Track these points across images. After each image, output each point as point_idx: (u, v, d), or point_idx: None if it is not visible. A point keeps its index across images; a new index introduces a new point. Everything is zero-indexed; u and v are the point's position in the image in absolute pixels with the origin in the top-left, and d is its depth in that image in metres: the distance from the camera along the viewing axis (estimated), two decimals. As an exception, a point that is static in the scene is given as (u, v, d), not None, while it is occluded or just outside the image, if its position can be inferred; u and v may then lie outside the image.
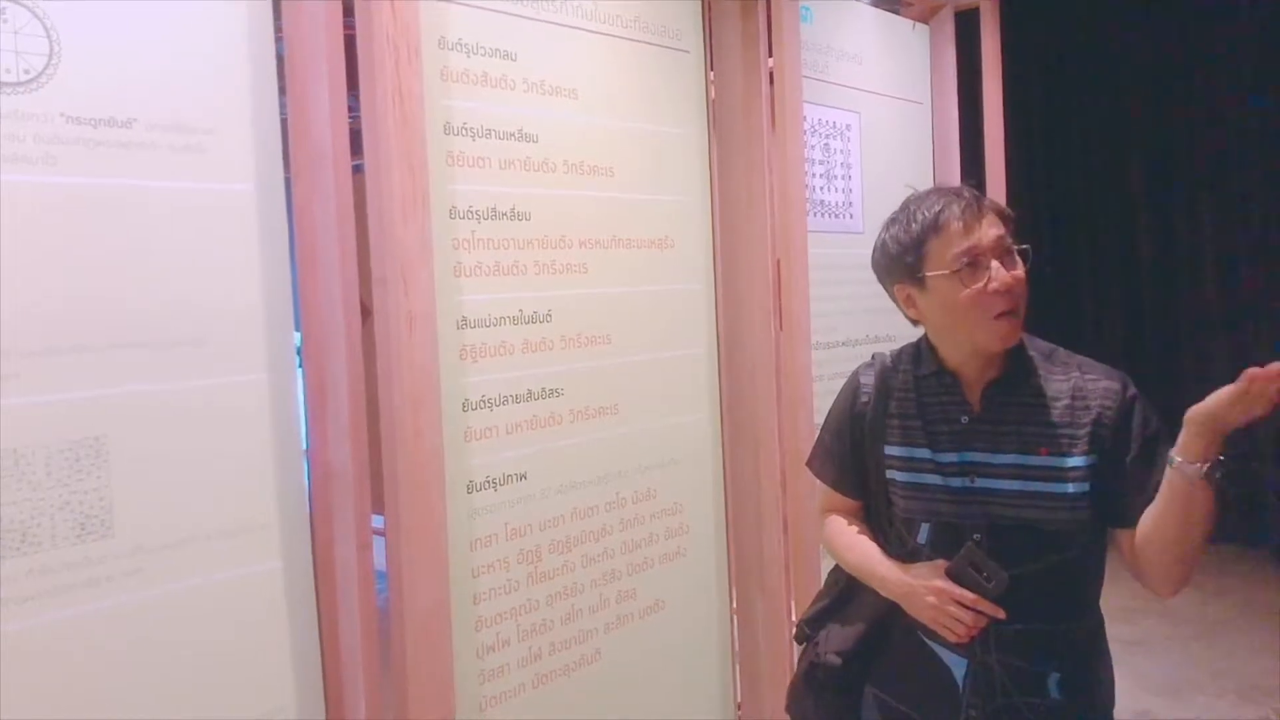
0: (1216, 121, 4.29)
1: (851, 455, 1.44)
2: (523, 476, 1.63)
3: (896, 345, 2.51)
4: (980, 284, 1.23)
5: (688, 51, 1.97)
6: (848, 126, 2.33)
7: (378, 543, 1.38)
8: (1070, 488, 1.25)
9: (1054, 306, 4.60)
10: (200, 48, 1.25)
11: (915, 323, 1.39)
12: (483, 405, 1.57)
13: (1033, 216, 4.56)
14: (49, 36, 1.12)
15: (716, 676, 2.03)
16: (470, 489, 1.55)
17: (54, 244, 1.12)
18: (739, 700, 2.09)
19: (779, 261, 2.04)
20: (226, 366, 1.27)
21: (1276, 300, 4.13)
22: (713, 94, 2.05)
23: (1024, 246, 1.28)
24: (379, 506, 1.39)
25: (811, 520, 2.09)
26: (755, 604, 2.07)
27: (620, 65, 1.83)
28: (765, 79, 2.03)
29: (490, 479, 1.58)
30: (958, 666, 1.31)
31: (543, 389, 1.67)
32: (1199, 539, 1.17)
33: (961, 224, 1.25)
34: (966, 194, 1.29)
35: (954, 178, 2.60)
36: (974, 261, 1.24)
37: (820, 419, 2.13)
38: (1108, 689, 1.33)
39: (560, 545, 1.70)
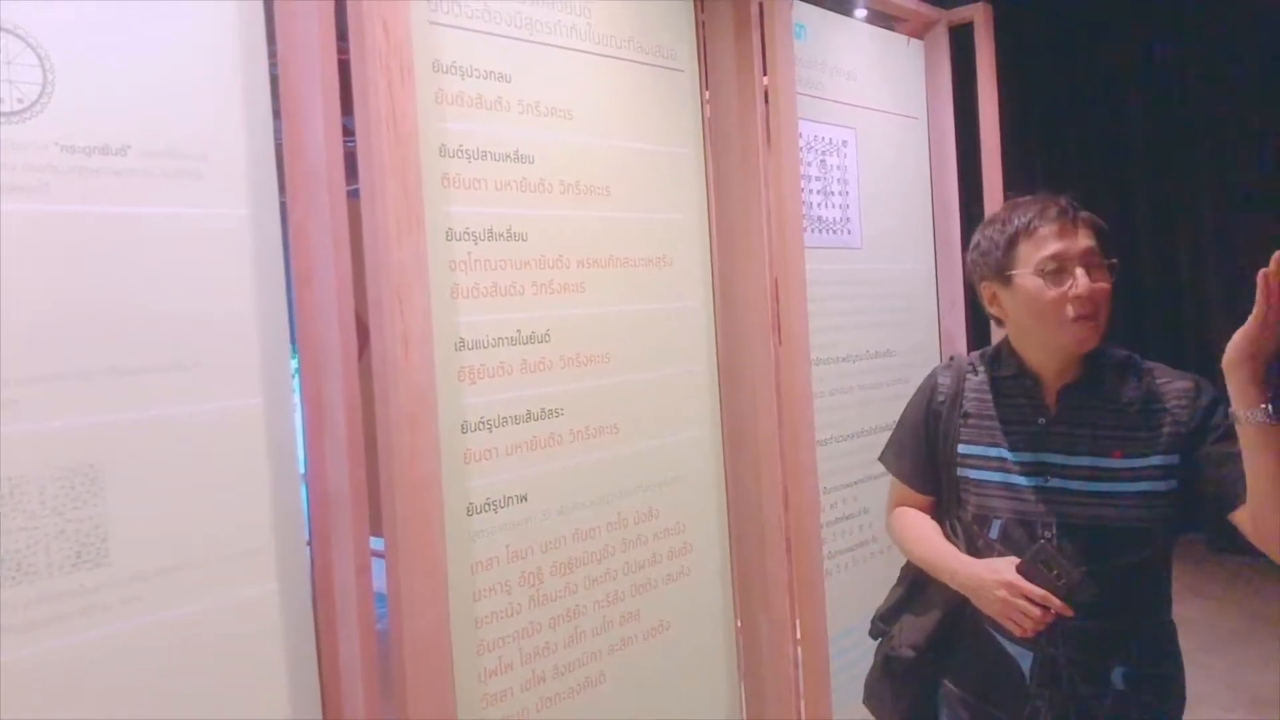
0: (1214, 131, 4.30)
1: (926, 452, 1.49)
2: (523, 498, 1.62)
3: (897, 360, 2.51)
4: (1064, 288, 1.28)
5: (682, 70, 1.98)
6: (844, 142, 2.33)
7: (377, 565, 1.37)
8: (1143, 485, 1.29)
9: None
10: (193, 74, 1.26)
11: (999, 323, 1.43)
12: (482, 426, 1.56)
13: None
14: (42, 66, 1.12)
15: (722, 698, 2.01)
16: (470, 511, 1.54)
17: (49, 272, 1.12)
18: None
19: (777, 278, 2.04)
20: (222, 391, 1.27)
21: None
22: (708, 112, 2.05)
23: (1113, 260, 1.32)
24: (378, 529, 1.38)
25: (813, 537, 2.08)
26: (759, 624, 2.05)
27: (615, 85, 1.83)
28: (760, 96, 2.03)
29: (490, 501, 1.57)
30: (1024, 659, 1.35)
31: (542, 409, 1.66)
32: None
33: (1054, 229, 1.31)
34: (1063, 203, 1.34)
35: (951, 193, 2.60)
36: (1061, 267, 1.29)
37: (820, 435, 2.14)
38: (1178, 688, 1.36)
39: (562, 567, 1.68)
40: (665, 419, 1.91)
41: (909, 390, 2.45)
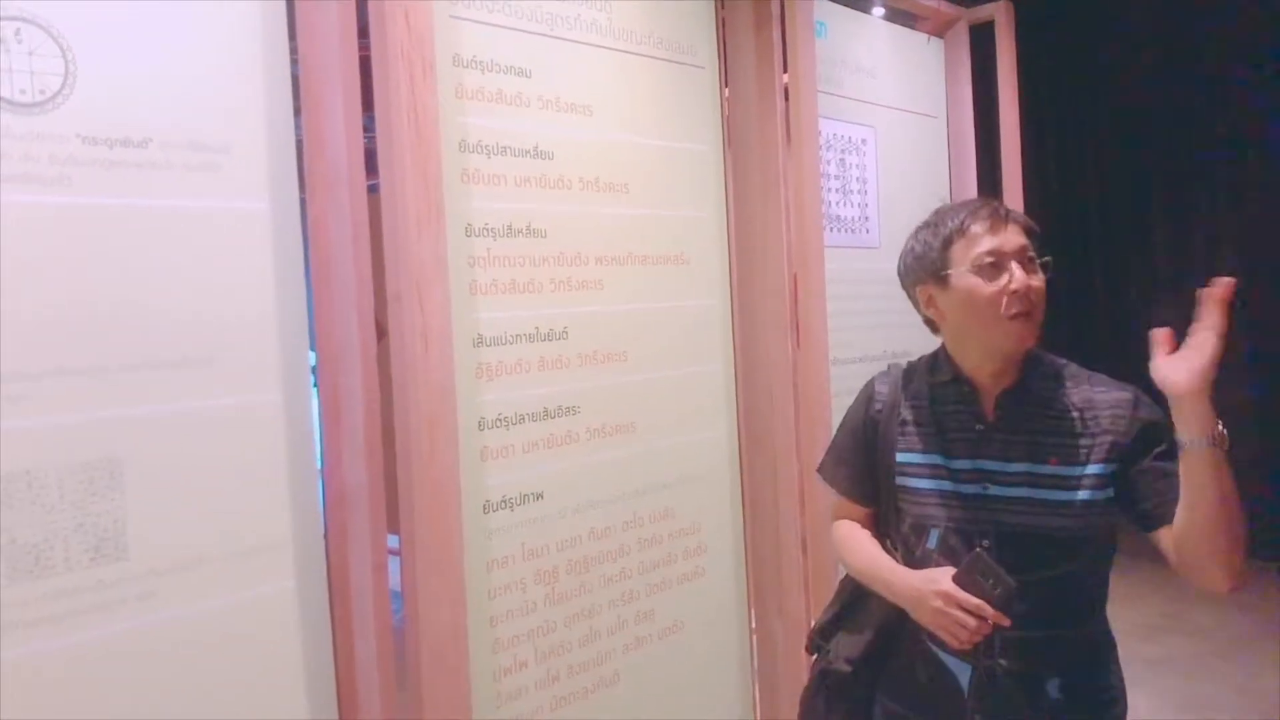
0: (1235, 131, 4.26)
1: (864, 462, 1.47)
2: (539, 496, 1.61)
3: (914, 358, 2.49)
4: (1000, 283, 1.28)
5: (702, 67, 1.97)
6: (863, 141, 2.31)
7: (393, 563, 1.37)
8: (1080, 494, 1.27)
9: (1071, 316, 4.57)
10: (215, 67, 1.25)
11: (934, 326, 1.42)
12: (499, 424, 1.55)
13: (1050, 228, 4.54)
14: (64, 57, 1.12)
15: (736, 699, 2.00)
16: (486, 508, 1.53)
17: (69, 264, 1.11)
18: (759, 722, 2.06)
19: (795, 276, 2.02)
20: (241, 386, 1.26)
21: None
22: (727, 109, 2.04)
23: (1046, 259, 1.32)
24: (394, 526, 1.37)
25: (829, 539, 2.07)
26: (774, 625, 2.04)
27: (635, 81, 1.82)
28: (780, 94, 2.02)
29: (507, 498, 1.56)
30: (962, 672, 1.33)
31: (559, 407, 1.65)
32: (1235, 516, 1.15)
33: (986, 227, 1.31)
34: (993, 204, 1.35)
35: (970, 191, 2.58)
36: (996, 262, 1.29)
37: (839, 435, 2.12)
38: (1117, 701, 1.33)
39: (578, 565, 1.68)
40: (682, 417, 1.89)
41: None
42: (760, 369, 2.03)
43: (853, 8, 2.34)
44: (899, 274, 1.45)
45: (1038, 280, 1.30)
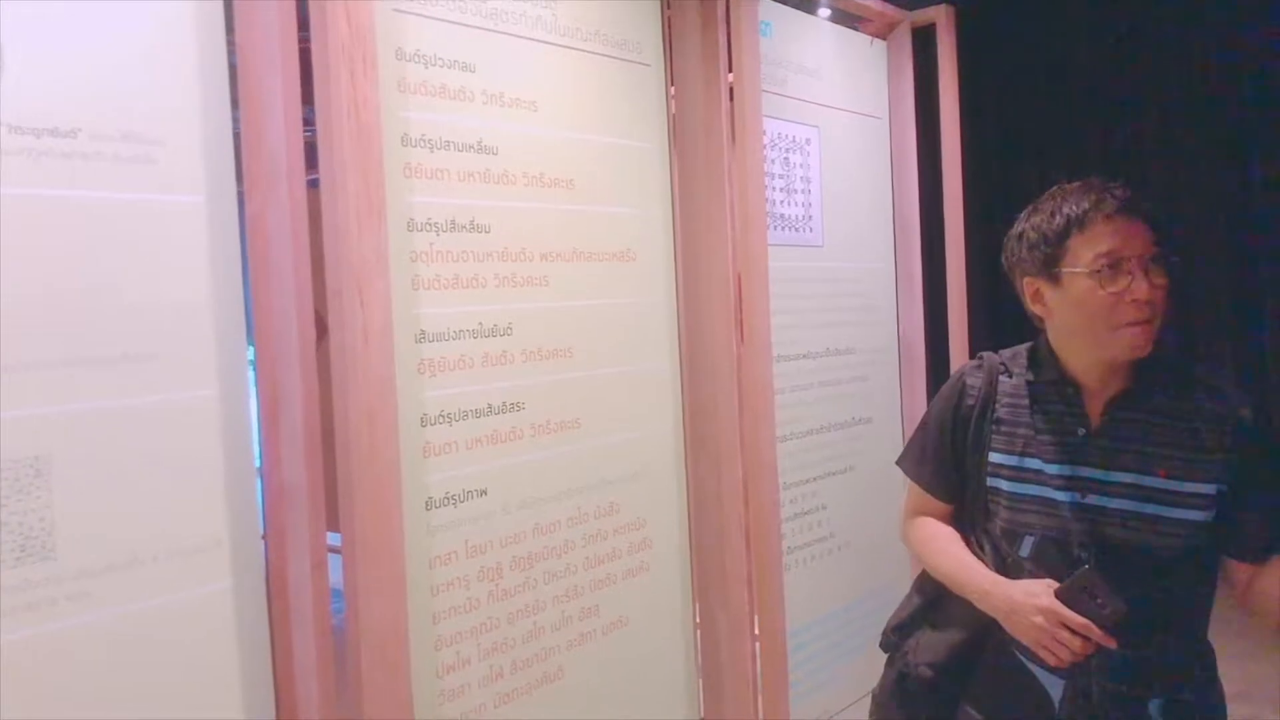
0: (1171, 138, 4.38)
1: (951, 458, 1.38)
2: (483, 492, 1.61)
3: (857, 358, 2.51)
4: (1119, 288, 1.17)
5: (648, 65, 1.98)
6: (807, 141, 2.34)
7: (334, 560, 1.35)
8: (1190, 514, 1.19)
9: (1015, 319, 4.66)
10: (148, 57, 1.22)
11: (1040, 322, 1.32)
12: (442, 420, 1.54)
13: (989, 232, 4.62)
14: (-10, 44, 1.09)
15: (681, 692, 2.02)
16: (429, 505, 1.53)
17: (-6, 257, 1.08)
18: (703, 716, 2.08)
19: (740, 275, 2.04)
20: (176, 381, 1.24)
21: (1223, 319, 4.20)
22: (673, 108, 2.05)
23: (1174, 258, 1.20)
24: (335, 524, 1.36)
25: (772, 533, 2.09)
26: (718, 619, 2.06)
27: (580, 78, 1.82)
28: (725, 93, 2.03)
29: (450, 495, 1.56)
30: (1054, 687, 1.26)
31: (503, 403, 1.65)
32: None
33: (1110, 223, 1.18)
34: (1120, 191, 1.22)
35: (911, 192, 2.63)
36: (1116, 265, 1.17)
37: (780, 431, 2.15)
38: (1218, 715, 1.29)
39: (522, 562, 1.67)
40: (627, 414, 1.90)
41: (870, 388, 2.50)
42: (705, 366, 2.04)
43: (797, 8, 2.36)
44: (1003, 258, 1.32)
45: (1160, 283, 1.18)
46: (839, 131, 2.45)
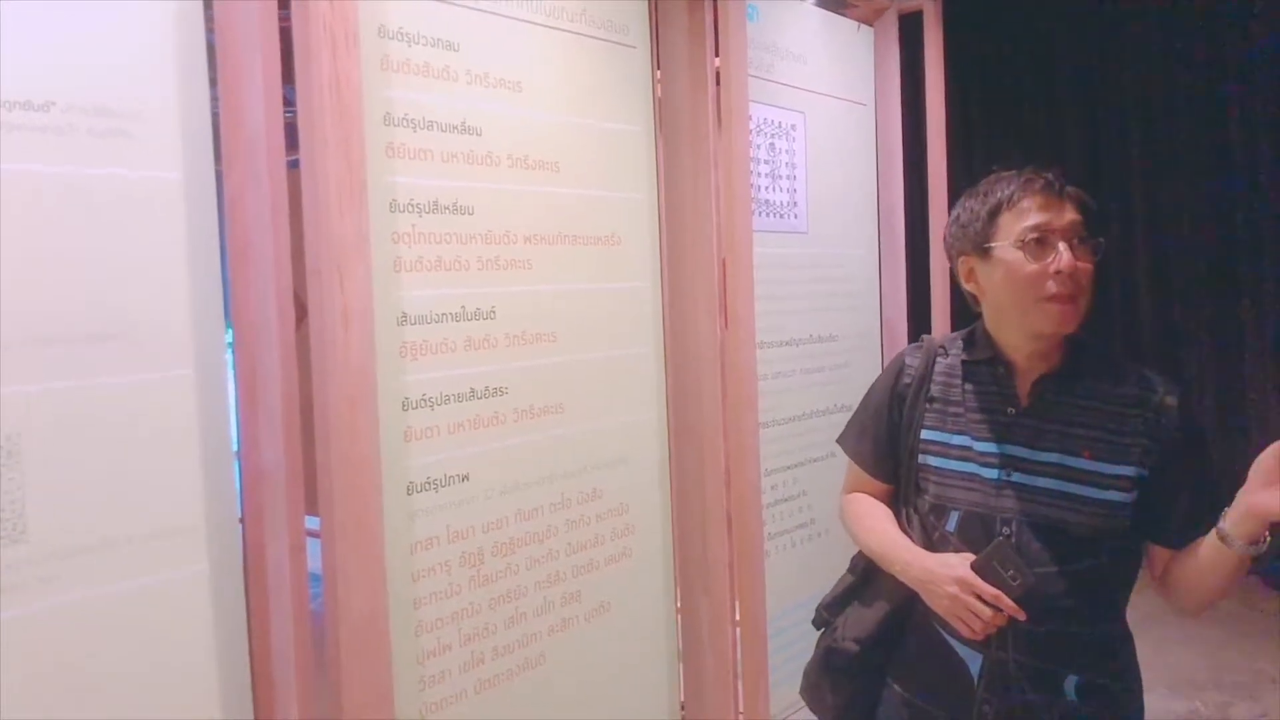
0: (1155, 128, 4.40)
1: (888, 436, 1.41)
2: (465, 477, 1.60)
3: (840, 345, 2.51)
4: (1045, 262, 1.21)
5: (634, 47, 1.96)
6: (793, 126, 2.33)
7: (312, 545, 1.34)
8: (1111, 495, 1.23)
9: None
10: (124, 30, 1.20)
11: (975, 301, 1.36)
12: (423, 404, 1.53)
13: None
14: (-41, 14, 1.06)
15: (662, 677, 2.02)
16: (410, 490, 1.51)
17: (-36, 233, 1.06)
18: (683, 700, 2.08)
19: (724, 260, 2.03)
20: (152, 362, 1.22)
21: (1209, 310, 4.23)
22: (659, 91, 2.03)
23: (1099, 240, 1.25)
24: (313, 507, 1.34)
25: (754, 519, 2.09)
26: (699, 604, 2.06)
27: (566, 59, 1.80)
28: (711, 77, 2.02)
29: (431, 480, 1.54)
30: (973, 661, 1.29)
31: (486, 388, 1.63)
32: (1232, 587, 1.19)
33: (1038, 201, 1.24)
34: (1049, 176, 1.27)
35: (896, 179, 2.62)
36: (1043, 239, 1.22)
37: (762, 417, 2.15)
38: (1134, 701, 1.31)
39: (504, 548, 1.66)
40: (610, 399, 1.89)
41: (851, 375, 2.50)
42: (689, 351, 2.03)
43: (784, -7, 2.35)
44: (944, 240, 1.37)
45: (1087, 262, 1.23)
46: (825, 117, 2.44)
